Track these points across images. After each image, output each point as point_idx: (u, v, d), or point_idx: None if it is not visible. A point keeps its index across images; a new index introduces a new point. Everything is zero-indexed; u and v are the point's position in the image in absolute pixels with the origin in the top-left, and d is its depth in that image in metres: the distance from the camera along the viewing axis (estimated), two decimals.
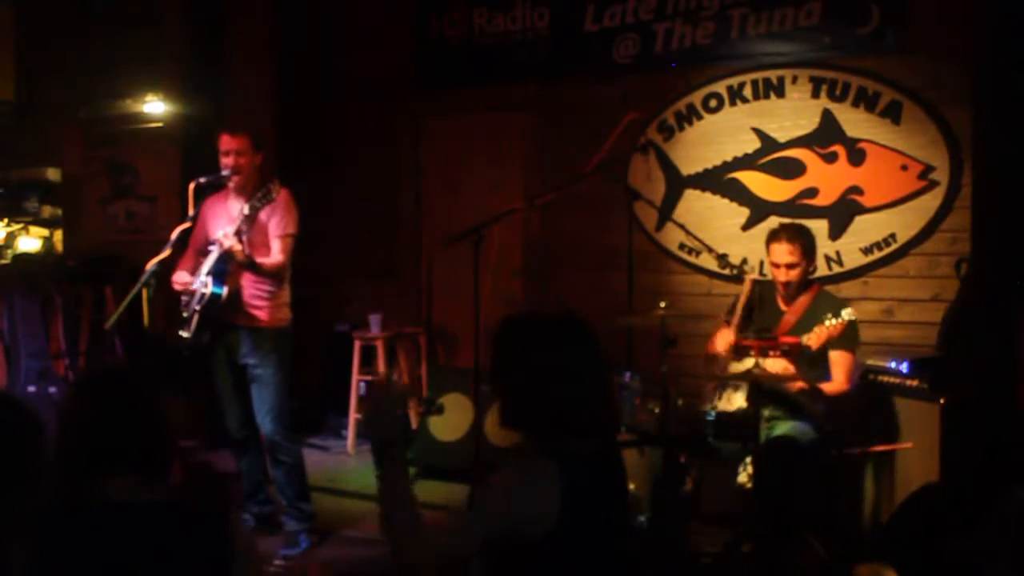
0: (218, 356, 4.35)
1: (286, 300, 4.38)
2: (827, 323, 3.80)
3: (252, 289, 4.25)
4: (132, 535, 1.81)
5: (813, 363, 3.95)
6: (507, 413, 2.19)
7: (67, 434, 1.89)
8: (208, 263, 4.16)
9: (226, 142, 4.21)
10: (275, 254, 4.21)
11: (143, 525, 1.83)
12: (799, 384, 3.92)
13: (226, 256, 4.08)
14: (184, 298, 4.27)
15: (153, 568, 1.80)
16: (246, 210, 4.10)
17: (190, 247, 4.38)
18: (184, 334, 4.22)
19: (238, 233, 4.07)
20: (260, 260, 4.15)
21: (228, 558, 1.85)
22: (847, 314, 3.82)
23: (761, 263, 5.02)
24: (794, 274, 4.09)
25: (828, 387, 3.99)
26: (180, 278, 4.26)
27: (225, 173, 4.22)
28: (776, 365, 3.87)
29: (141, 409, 1.90)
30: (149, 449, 1.89)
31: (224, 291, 4.12)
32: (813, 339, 3.82)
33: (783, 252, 4.08)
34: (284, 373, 4.32)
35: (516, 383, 2.17)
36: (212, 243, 4.22)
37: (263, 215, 4.21)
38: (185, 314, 4.24)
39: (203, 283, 4.14)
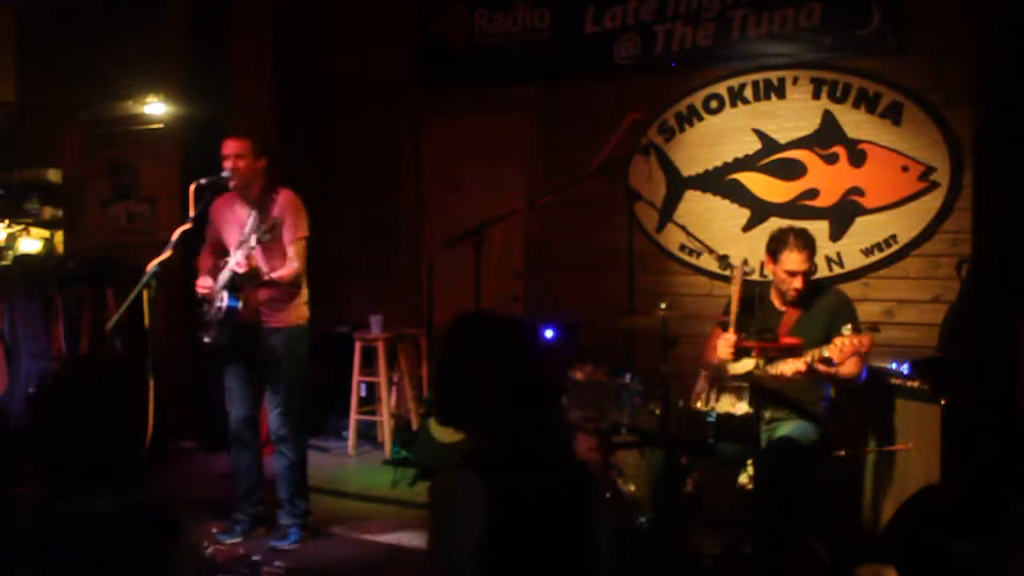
0: (233, 351, 4.40)
1: (304, 299, 4.47)
2: (846, 334, 3.65)
3: (272, 291, 4.34)
4: (77, 545, 1.81)
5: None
6: (441, 409, 2.13)
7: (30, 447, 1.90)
8: (223, 279, 4.25)
9: (226, 146, 4.33)
10: (291, 260, 4.31)
11: (87, 535, 1.83)
12: (804, 361, 3.82)
13: (243, 277, 4.17)
14: (205, 305, 4.37)
15: None
16: (252, 241, 4.15)
17: (206, 246, 4.49)
18: (206, 339, 4.36)
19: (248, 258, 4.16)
20: (277, 276, 4.26)
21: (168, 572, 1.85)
22: (865, 326, 3.69)
23: (761, 265, 5.01)
24: (803, 280, 4.02)
25: (843, 369, 3.85)
26: (204, 283, 4.35)
27: (225, 174, 4.28)
28: (787, 367, 3.84)
29: (87, 422, 1.88)
30: (100, 461, 1.88)
31: (240, 304, 4.24)
32: (835, 352, 3.68)
33: (798, 260, 3.98)
34: (300, 371, 4.42)
35: (453, 379, 2.11)
36: (227, 252, 4.32)
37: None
38: (206, 319, 4.36)
39: (220, 297, 4.25)
